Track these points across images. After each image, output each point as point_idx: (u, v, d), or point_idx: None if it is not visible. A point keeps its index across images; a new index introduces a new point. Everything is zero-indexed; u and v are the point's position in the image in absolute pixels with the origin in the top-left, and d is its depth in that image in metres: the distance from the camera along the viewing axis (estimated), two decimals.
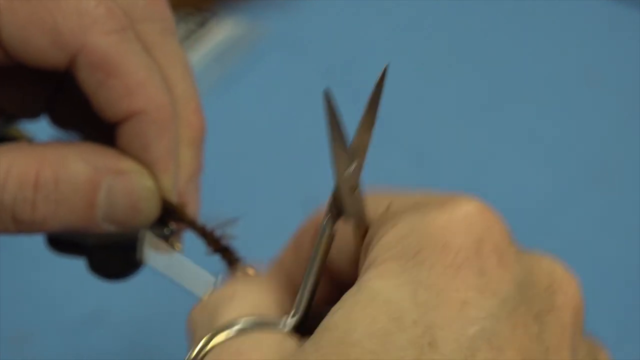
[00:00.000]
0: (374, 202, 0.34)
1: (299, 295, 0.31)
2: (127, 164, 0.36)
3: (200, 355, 0.31)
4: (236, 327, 0.31)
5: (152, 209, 0.37)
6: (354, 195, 0.31)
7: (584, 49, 0.85)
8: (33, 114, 0.41)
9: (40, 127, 0.41)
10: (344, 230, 0.33)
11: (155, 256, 0.38)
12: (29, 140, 0.41)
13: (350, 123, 0.81)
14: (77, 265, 0.42)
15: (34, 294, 0.65)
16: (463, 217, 0.31)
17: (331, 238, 0.31)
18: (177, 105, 0.38)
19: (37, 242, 0.41)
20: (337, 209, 0.30)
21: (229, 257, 0.39)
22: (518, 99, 0.81)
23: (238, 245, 0.39)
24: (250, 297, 0.34)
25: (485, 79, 0.83)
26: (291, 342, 0.32)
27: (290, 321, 0.31)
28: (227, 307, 0.33)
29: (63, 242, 0.40)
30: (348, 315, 0.29)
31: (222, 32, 0.84)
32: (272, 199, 0.71)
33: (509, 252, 0.31)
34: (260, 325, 0.32)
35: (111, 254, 0.40)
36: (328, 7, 0.87)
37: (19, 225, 0.36)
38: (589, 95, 0.81)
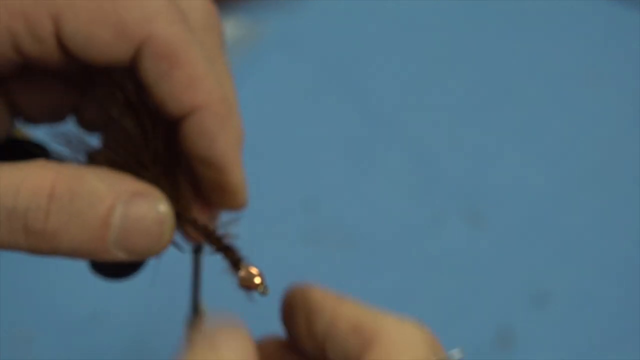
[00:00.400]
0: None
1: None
2: (143, 188, 0.36)
3: None
4: None
5: (165, 235, 0.37)
6: None
7: (584, 49, 0.85)
8: (58, 118, 0.41)
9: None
10: None
11: None
12: (33, 142, 0.41)
13: (348, 122, 0.82)
14: (78, 266, 0.42)
15: (34, 294, 0.65)
16: None
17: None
18: None
19: None
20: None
21: (231, 256, 0.39)
22: (518, 98, 0.81)
23: (239, 244, 0.39)
24: None
25: (485, 78, 0.83)
26: None
27: None
28: None
29: None
30: None
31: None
32: (272, 198, 0.71)
33: None
34: None
35: None
36: (328, 7, 0.87)
37: (30, 237, 0.35)
38: (589, 95, 0.81)
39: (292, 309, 0.39)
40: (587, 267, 0.70)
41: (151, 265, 0.40)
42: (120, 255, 0.36)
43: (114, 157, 0.38)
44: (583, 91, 0.82)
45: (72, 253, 0.36)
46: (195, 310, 0.31)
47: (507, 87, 0.82)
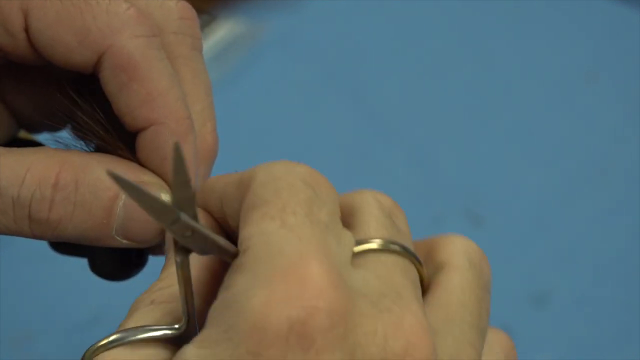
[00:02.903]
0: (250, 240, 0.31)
1: (182, 311, 0.31)
2: (147, 177, 0.37)
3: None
4: (111, 339, 0.31)
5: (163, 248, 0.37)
6: (194, 235, 0.30)
7: (584, 49, 0.85)
8: (57, 124, 0.41)
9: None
10: None
11: None
12: (36, 142, 0.41)
13: (348, 122, 0.82)
14: (78, 266, 0.42)
15: (34, 294, 0.65)
16: (281, 300, 0.28)
17: (187, 268, 0.31)
18: (195, 123, 0.38)
19: (38, 242, 0.41)
20: (181, 245, 0.30)
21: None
22: (518, 98, 0.81)
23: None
24: (160, 308, 0.33)
25: (484, 78, 0.83)
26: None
27: (174, 333, 0.31)
28: (134, 314, 0.33)
29: (65, 242, 0.40)
30: None
31: (222, 32, 0.84)
32: None
33: (327, 337, 0.28)
34: (142, 337, 0.31)
35: (112, 254, 0.40)
36: (328, 7, 0.87)
37: (34, 225, 0.36)
38: (589, 95, 0.81)
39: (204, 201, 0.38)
40: (587, 267, 0.70)
41: (151, 265, 0.40)
42: (124, 242, 0.37)
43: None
44: (583, 91, 0.82)
45: (76, 239, 0.36)
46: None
47: (507, 87, 0.82)
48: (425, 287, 0.35)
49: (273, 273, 0.28)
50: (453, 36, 0.86)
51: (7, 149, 0.35)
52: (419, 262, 0.33)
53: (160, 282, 0.34)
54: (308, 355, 0.27)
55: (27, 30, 0.35)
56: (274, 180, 0.31)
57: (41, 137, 0.43)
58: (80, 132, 0.40)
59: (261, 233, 0.30)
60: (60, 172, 0.35)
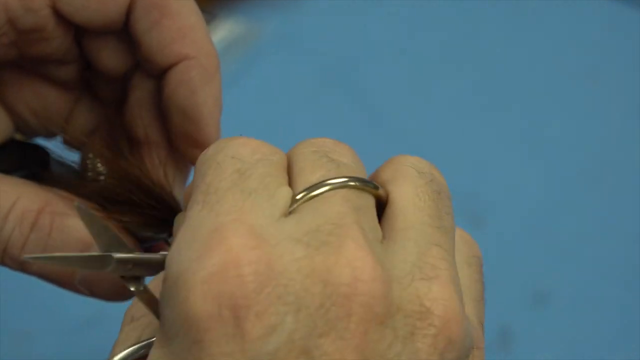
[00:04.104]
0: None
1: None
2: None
3: None
4: None
5: (128, 290, 0.37)
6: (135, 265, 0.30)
7: (584, 49, 0.85)
8: (50, 131, 0.41)
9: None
10: None
11: None
12: (34, 144, 0.41)
13: (348, 122, 0.82)
14: None
15: (34, 294, 0.65)
16: (203, 281, 0.27)
17: (146, 290, 0.31)
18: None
19: None
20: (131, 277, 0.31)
21: None
22: (518, 98, 0.81)
23: None
24: (139, 323, 0.33)
25: (484, 78, 0.83)
26: None
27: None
28: (120, 334, 0.33)
29: None
30: None
31: (221, 31, 0.84)
32: None
33: (261, 299, 0.27)
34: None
35: None
36: (328, 7, 0.87)
37: (5, 257, 0.36)
38: (589, 94, 0.81)
39: None
40: (587, 267, 0.70)
41: None
42: (84, 292, 0.38)
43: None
44: (583, 91, 0.82)
45: (39, 277, 0.38)
46: None
47: (507, 87, 0.82)
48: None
49: (191, 257, 0.28)
50: (453, 36, 0.86)
51: None
52: (369, 184, 0.32)
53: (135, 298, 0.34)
54: (249, 323, 0.27)
55: (53, 3, 0.35)
56: (202, 163, 0.31)
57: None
58: (71, 144, 0.40)
59: (185, 222, 0.29)
60: (41, 212, 0.36)
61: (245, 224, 0.28)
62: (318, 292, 0.27)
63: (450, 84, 0.82)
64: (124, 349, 0.31)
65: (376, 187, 0.32)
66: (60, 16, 0.36)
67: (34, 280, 0.67)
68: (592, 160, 0.76)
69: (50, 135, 0.41)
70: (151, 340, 0.31)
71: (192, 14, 0.37)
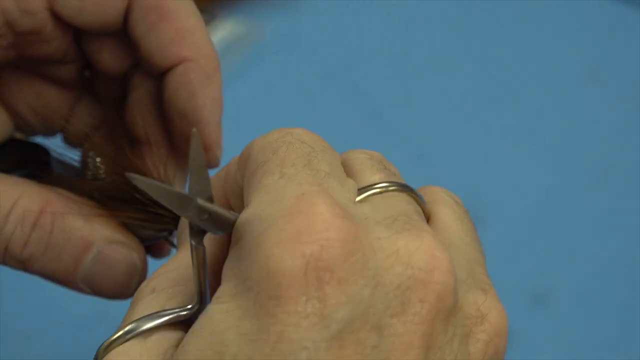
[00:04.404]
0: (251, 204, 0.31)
1: (195, 292, 0.32)
2: (122, 237, 0.37)
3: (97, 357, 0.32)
4: (124, 330, 0.31)
5: (132, 287, 0.37)
6: (210, 217, 0.30)
7: (584, 49, 0.85)
8: (50, 130, 0.41)
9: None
10: None
11: None
12: (34, 143, 0.41)
13: (348, 122, 0.82)
14: None
15: (34, 294, 0.65)
16: (290, 239, 0.27)
17: (202, 250, 0.31)
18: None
19: None
20: (197, 228, 0.30)
21: None
22: (518, 98, 0.81)
23: None
24: (162, 294, 0.32)
25: (484, 78, 0.83)
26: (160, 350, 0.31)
27: (187, 314, 0.31)
28: (137, 304, 0.32)
29: None
30: (184, 346, 0.29)
31: (222, 31, 0.84)
32: None
33: (346, 267, 0.27)
34: (155, 324, 0.31)
35: None
36: (328, 7, 0.87)
37: (7, 256, 0.36)
38: (589, 94, 0.81)
39: None
40: (587, 267, 0.70)
41: (151, 265, 0.40)
42: (86, 291, 0.37)
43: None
44: (583, 91, 0.82)
45: (41, 276, 0.38)
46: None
47: (507, 87, 0.82)
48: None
49: (277, 216, 0.28)
50: (453, 36, 0.86)
51: None
52: (419, 197, 0.33)
53: (158, 270, 0.34)
54: (330, 287, 0.27)
55: (51, 5, 0.35)
56: (270, 143, 0.32)
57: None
58: (71, 143, 0.40)
59: (262, 187, 0.29)
60: (42, 211, 0.36)
61: (332, 196, 0.29)
62: (397, 272, 0.28)
63: (450, 84, 0.82)
64: (152, 318, 0.31)
65: (424, 203, 0.34)
66: (58, 18, 0.36)
67: (33, 280, 0.67)
68: (592, 160, 0.76)
69: (50, 133, 0.41)
70: (187, 308, 0.31)
71: (190, 16, 0.37)
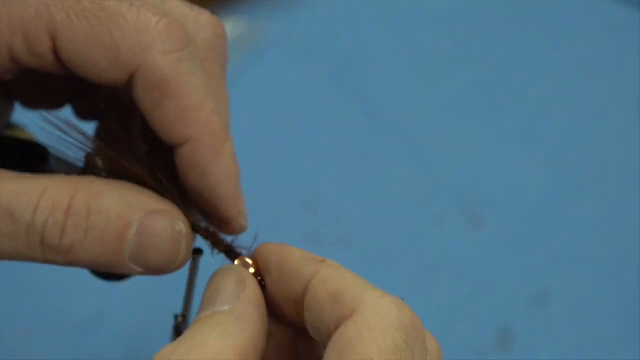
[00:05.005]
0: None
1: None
2: (161, 205, 0.36)
3: None
4: None
5: (181, 253, 0.37)
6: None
7: (584, 49, 0.85)
8: (58, 104, 0.41)
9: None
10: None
11: None
12: (34, 142, 0.41)
13: (348, 122, 0.82)
14: None
15: (34, 294, 0.65)
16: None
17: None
18: None
19: None
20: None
21: (233, 257, 0.39)
22: (518, 99, 0.81)
23: (240, 243, 0.39)
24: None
25: (484, 78, 0.83)
26: None
27: None
28: None
29: None
30: None
31: None
32: (272, 198, 0.71)
33: None
34: None
35: None
36: (328, 7, 0.87)
37: (47, 251, 0.36)
38: (589, 95, 0.81)
39: (267, 267, 0.38)
40: (587, 267, 0.70)
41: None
42: (138, 270, 0.36)
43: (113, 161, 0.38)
44: (583, 91, 0.82)
45: (89, 265, 0.36)
46: (185, 311, 0.31)
47: (507, 87, 0.82)
48: None
49: None
50: (453, 36, 0.86)
51: (19, 174, 0.36)
52: None
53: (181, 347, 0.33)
54: None
55: (56, 51, 0.35)
56: (379, 333, 0.32)
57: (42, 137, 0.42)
58: (82, 116, 0.40)
59: None
60: (73, 198, 0.35)
61: None
62: None
63: (450, 84, 0.82)
64: None
65: None
66: (62, 62, 0.36)
67: (34, 279, 0.67)
68: (592, 160, 0.76)
69: (57, 107, 0.41)
70: None
71: (195, 92, 0.36)
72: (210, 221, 0.39)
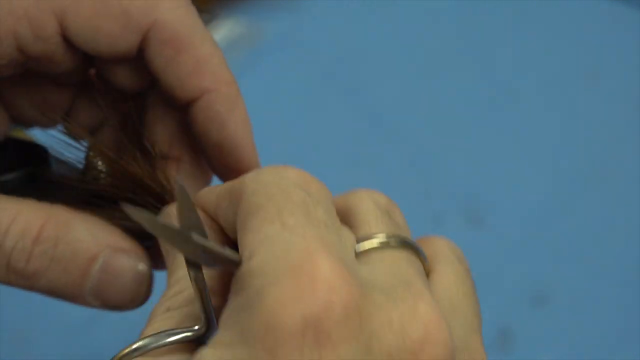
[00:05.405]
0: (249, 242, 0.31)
1: (201, 314, 0.32)
2: (127, 244, 0.37)
3: None
4: (135, 347, 0.31)
5: (141, 294, 0.37)
6: (205, 252, 0.30)
7: (584, 49, 0.85)
8: (51, 120, 0.41)
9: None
10: None
11: None
12: (33, 143, 0.41)
13: (348, 123, 0.82)
14: None
15: (34, 294, 0.65)
16: (293, 298, 0.27)
17: (201, 278, 0.31)
18: None
19: None
20: (193, 263, 0.31)
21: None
22: (518, 99, 0.81)
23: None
24: (177, 313, 0.32)
25: (485, 79, 0.83)
26: None
27: (194, 334, 0.31)
28: (153, 321, 0.33)
29: None
30: None
31: (222, 31, 0.84)
32: None
33: (342, 331, 0.28)
34: (164, 343, 0.31)
35: None
36: (328, 7, 0.87)
37: (10, 273, 0.36)
38: (589, 95, 0.81)
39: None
40: (587, 267, 0.70)
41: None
42: (95, 304, 0.37)
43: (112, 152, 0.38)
44: (583, 91, 0.82)
45: (48, 293, 0.37)
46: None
47: (507, 87, 0.82)
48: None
49: (283, 272, 0.28)
50: (453, 36, 0.86)
51: None
52: (421, 254, 0.33)
53: (171, 289, 0.33)
54: (325, 350, 0.27)
55: (64, 32, 0.35)
56: (264, 186, 0.31)
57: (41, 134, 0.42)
58: (73, 134, 0.40)
59: (264, 237, 0.29)
60: (44, 226, 0.36)
61: (336, 255, 0.29)
62: (390, 341, 0.28)
63: (450, 84, 0.82)
64: (161, 337, 0.31)
65: (425, 259, 0.34)
66: (70, 44, 0.36)
67: None
68: (592, 160, 0.76)
69: (50, 125, 0.41)
70: (193, 329, 0.31)
71: (205, 44, 0.37)
72: (227, 177, 0.39)
